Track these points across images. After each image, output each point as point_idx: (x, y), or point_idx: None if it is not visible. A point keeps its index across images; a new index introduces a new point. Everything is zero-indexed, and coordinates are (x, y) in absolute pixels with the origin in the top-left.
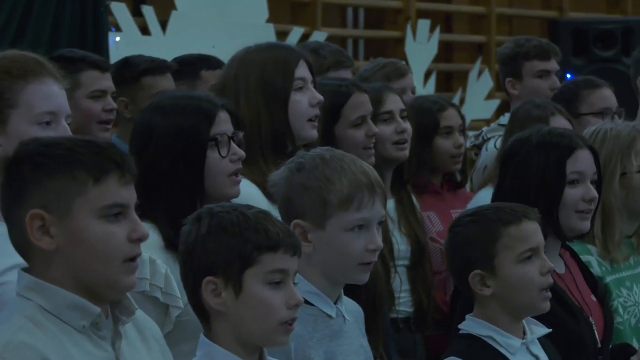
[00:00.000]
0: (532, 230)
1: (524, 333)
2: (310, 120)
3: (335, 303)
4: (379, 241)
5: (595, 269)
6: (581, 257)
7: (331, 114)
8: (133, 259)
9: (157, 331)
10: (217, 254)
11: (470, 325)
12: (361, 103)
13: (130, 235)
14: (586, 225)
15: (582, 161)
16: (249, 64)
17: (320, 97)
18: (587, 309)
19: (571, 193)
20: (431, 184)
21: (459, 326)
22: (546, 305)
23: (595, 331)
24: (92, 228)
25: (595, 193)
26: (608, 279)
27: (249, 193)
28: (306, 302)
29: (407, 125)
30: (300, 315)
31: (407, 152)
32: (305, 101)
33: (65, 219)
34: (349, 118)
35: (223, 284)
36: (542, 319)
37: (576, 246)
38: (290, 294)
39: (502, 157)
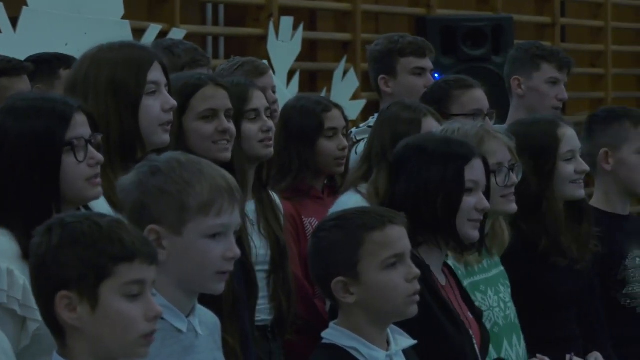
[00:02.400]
0: (397, 235)
1: (389, 344)
2: (162, 125)
3: (188, 316)
4: (237, 249)
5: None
6: None
7: (180, 103)
8: None
9: (6, 343)
10: (71, 267)
11: (334, 334)
12: (212, 96)
13: None
14: (477, 234)
15: (477, 170)
16: (100, 63)
17: (174, 103)
18: (467, 323)
19: (466, 201)
20: (313, 189)
21: (322, 334)
22: (413, 310)
23: (476, 345)
24: None
25: (487, 203)
26: (464, 282)
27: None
28: None
29: (272, 124)
30: None
31: (272, 150)
32: (157, 106)
33: None
34: (197, 110)
35: (78, 298)
36: (426, 325)
37: None
38: (149, 306)
39: (393, 162)
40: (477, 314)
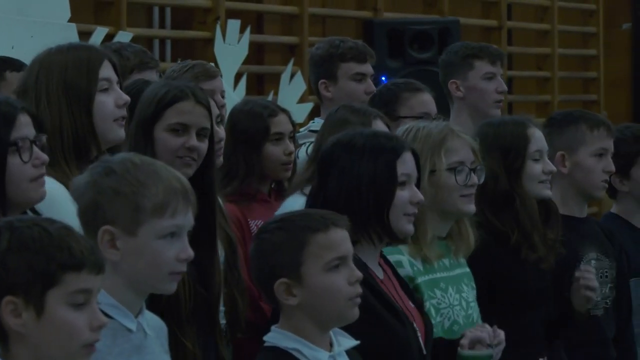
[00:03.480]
0: (340, 238)
1: (332, 345)
2: (116, 120)
3: (136, 317)
4: (190, 251)
5: (407, 269)
6: (392, 256)
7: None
8: None
9: None
10: (18, 272)
11: (276, 337)
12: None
13: None
14: (412, 227)
15: (408, 163)
16: (51, 66)
17: (127, 98)
18: (410, 314)
19: (399, 195)
20: (260, 193)
21: (264, 338)
22: (354, 313)
23: (420, 337)
24: None
25: (421, 196)
26: (420, 279)
27: (55, 191)
28: (105, 314)
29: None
30: None
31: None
32: (110, 102)
33: None
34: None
35: (24, 305)
36: (370, 323)
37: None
38: (94, 315)
39: (321, 161)
40: (418, 303)
